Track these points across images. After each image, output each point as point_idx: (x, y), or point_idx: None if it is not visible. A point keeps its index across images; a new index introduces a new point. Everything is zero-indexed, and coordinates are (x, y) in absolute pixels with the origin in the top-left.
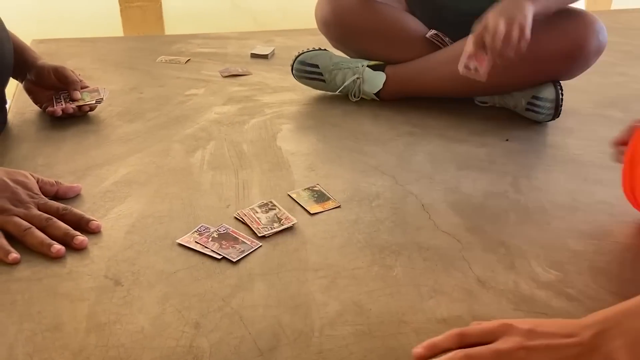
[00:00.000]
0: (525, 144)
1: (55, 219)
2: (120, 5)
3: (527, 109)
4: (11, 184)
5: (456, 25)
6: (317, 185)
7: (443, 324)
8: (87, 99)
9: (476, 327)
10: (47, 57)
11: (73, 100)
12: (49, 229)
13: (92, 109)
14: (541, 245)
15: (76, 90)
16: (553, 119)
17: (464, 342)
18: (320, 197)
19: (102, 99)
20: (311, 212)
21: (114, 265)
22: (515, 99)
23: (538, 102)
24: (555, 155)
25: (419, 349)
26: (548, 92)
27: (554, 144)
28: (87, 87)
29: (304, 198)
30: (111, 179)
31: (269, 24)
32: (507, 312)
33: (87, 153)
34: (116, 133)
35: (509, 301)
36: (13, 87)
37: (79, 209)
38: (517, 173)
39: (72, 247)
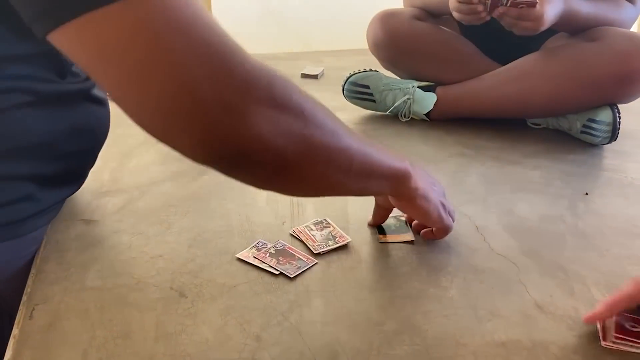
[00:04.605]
0: (580, 167)
1: None
2: None
3: (582, 132)
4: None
5: (510, 47)
6: (404, 216)
7: (502, 348)
8: None
9: None
10: None
11: None
12: None
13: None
14: (601, 271)
15: None
16: (609, 142)
17: None
18: (399, 228)
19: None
20: (380, 240)
21: (178, 277)
22: (570, 122)
23: (594, 125)
24: (612, 179)
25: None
26: (605, 115)
27: (611, 168)
28: None
29: (391, 228)
30: (174, 194)
31: (312, 41)
32: (568, 339)
33: (149, 169)
34: None
35: (569, 327)
36: None
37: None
38: (573, 197)
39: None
